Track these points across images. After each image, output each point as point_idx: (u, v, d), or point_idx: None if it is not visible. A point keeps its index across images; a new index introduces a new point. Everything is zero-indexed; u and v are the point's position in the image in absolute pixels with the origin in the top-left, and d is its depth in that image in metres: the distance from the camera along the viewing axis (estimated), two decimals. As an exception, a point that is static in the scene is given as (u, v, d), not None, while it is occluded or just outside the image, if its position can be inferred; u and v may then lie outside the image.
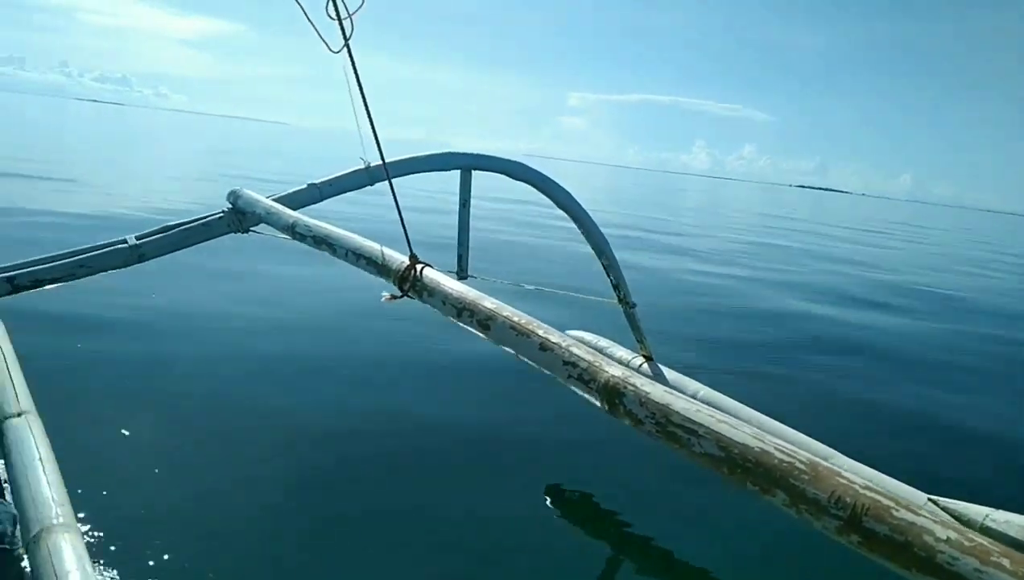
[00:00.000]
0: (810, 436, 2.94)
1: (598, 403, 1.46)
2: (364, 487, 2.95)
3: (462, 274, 3.28)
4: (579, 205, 3.44)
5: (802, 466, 1.09)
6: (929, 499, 2.52)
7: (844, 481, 1.03)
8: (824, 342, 6.62)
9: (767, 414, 3.13)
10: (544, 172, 3.37)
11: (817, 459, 1.14)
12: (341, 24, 1.46)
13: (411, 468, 3.19)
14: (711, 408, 1.38)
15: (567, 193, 3.42)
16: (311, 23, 1.44)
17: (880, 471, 2.65)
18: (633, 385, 1.41)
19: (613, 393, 1.42)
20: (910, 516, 0.95)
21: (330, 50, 1.47)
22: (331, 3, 1.46)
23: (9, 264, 2.83)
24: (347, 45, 1.48)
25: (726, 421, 1.32)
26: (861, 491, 1.01)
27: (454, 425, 3.65)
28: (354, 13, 1.48)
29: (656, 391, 1.39)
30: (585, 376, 1.47)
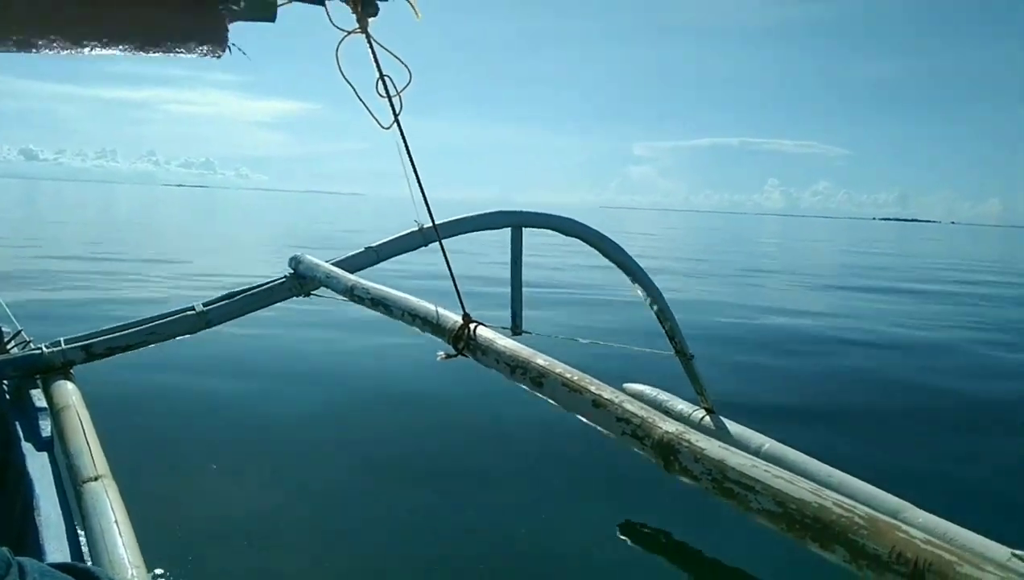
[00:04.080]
0: (881, 488, 2.84)
1: (653, 460, 1.46)
2: (440, 522, 3.02)
3: (516, 330, 3.32)
4: (630, 257, 3.46)
5: (861, 521, 1.08)
6: (1014, 554, 2.39)
7: (904, 535, 1.01)
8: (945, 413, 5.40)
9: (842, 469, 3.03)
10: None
11: (878, 514, 1.12)
12: (391, 102, 1.54)
13: (480, 505, 3.28)
14: (767, 463, 1.37)
15: (618, 246, 3.45)
16: (363, 103, 1.52)
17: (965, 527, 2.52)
18: (688, 441, 1.41)
19: (668, 449, 1.42)
20: (975, 572, 0.93)
21: (381, 127, 1.56)
22: (380, 83, 1.55)
23: (86, 333, 2.99)
24: (397, 121, 1.56)
25: (783, 476, 1.31)
26: (922, 546, 0.99)
27: (526, 456, 3.70)
28: (402, 90, 1.56)
29: (711, 447, 1.39)
30: (639, 432, 1.48)
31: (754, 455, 1.46)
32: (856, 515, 1.09)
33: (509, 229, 3.34)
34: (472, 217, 3.28)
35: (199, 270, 11.90)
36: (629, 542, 3.16)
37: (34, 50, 1.21)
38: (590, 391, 1.60)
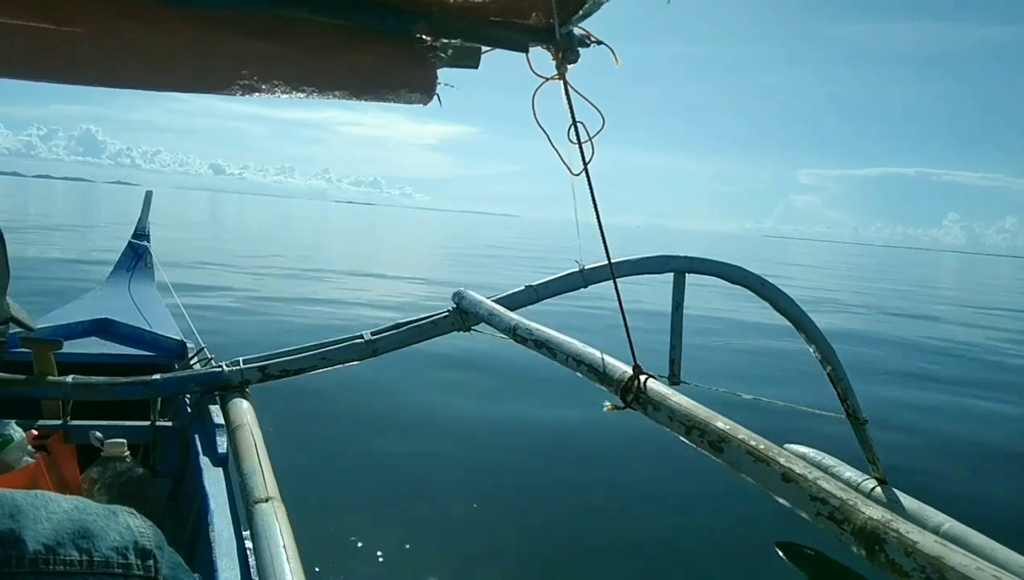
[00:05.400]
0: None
1: (854, 548, 1.32)
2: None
3: (674, 379, 3.20)
4: (801, 310, 3.26)
5: None
6: None
7: None
8: None
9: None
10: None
11: None
12: (581, 149, 1.51)
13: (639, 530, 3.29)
14: (995, 567, 1.20)
15: (788, 297, 3.26)
16: (555, 148, 1.50)
17: None
18: (896, 531, 1.26)
19: (872, 538, 1.28)
20: None
21: (571, 173, 1.53)
22: (572, 129, 1.52)
23: (262, 354, 3.16)
24: (586, 169, 1.53)
25: (1013, 583, 1.14)
26: None
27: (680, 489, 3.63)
28: (595, 136, 1.53)
29: (926, 541, 1.23)
30: (837, 516, 1.34)
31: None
32: None
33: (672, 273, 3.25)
34: (634, 260, 3.21)
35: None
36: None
37: (257, 94, 1.28)
38: (779, 463, 1.48)
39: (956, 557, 1.20)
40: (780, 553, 3.24)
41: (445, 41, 1.29)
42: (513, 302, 3.09)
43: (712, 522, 3.63)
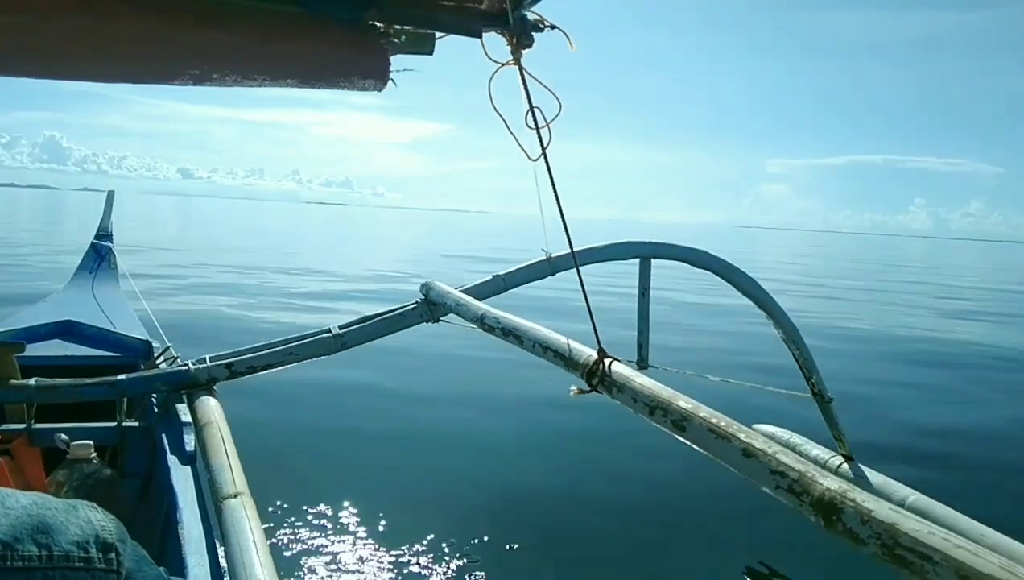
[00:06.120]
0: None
1: (812, 518, 1.35)
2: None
3: (642, 363, 3.23)
4: (765, 292, 3.30)
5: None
6: None
7: None
8: None
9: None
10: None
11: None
12: (539, 134, 1.52)
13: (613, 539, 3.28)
14: (945, 530, 1.23)
15: (752, 280, 3.30)
16: (512, 134, 1.51)
17: None
18: (853, 500, 1.29)
19: (829, 508, 1.31)
20: None
21: (529, 158, 1.54)
22: (529, 114, 1.53)
23: (228, 351, 3.13)
24: (544, 154, 1.54)
25: (964, 546, 1.17)
26: None
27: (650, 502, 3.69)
28: (551, 121, 1.54)
29: (880, 509, 1.26)
30: (796, 488, 1.37)
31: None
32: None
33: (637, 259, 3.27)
34: (600, 247, 3.23)
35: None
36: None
37: (208, 83, 1.27)
38: (739, 439, 1.50)
39: (909, 523, 1.23)
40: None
41: (398, 27, 1.29)
42: (481, 292, 3.09)
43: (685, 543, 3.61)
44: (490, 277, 3.19)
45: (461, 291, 3.01)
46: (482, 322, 2.58)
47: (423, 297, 3.08)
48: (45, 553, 0.53)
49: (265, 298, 10.72)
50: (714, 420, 1.58)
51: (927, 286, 21.76)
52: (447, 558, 3.06)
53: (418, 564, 2.99)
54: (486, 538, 3.22)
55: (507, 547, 3.21)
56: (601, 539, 3.42)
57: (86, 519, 0.58)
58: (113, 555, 0.57)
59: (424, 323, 3.06)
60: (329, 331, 2.99)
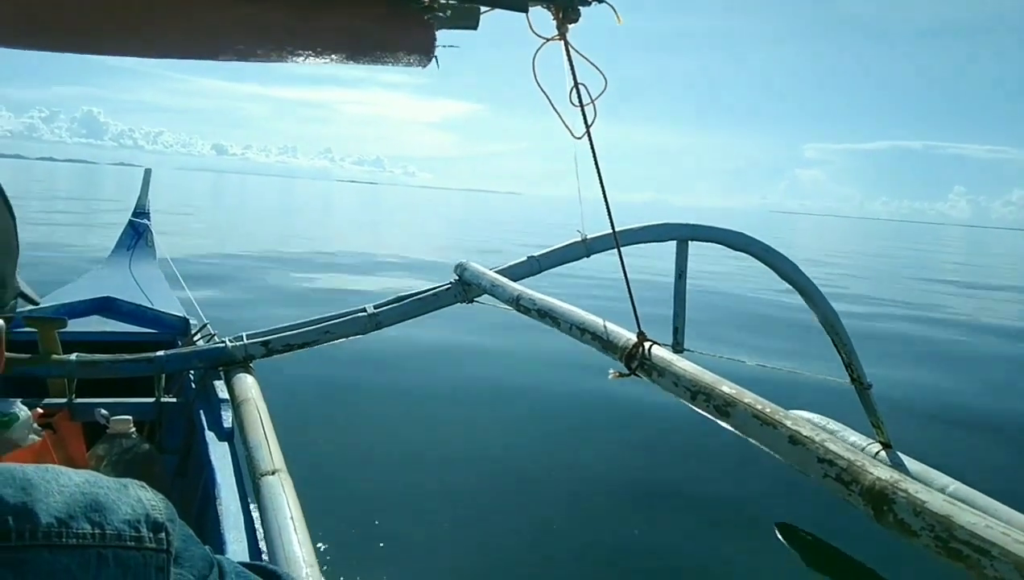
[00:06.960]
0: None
1: (861, 508, 1.32)
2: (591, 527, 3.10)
3: (678, 347, 3.18)
4: (805, 276, 3.24)
5: None
6: None
7: None
8: None
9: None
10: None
11: None
12: (583, 111, 1.49)
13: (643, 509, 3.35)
14: (1003, 524, 1.19)
15: (792, 264, 3.24)
16: (556, 112, 1.48)
17: None
18: (905, 491, 1.25)
19: (880, 499, 1.27)
20: None
21: (573, 136, 1.50)
22: (574, 91, 1.50)
23: (265, 329, 3.15)
24: (588, 132, 1.50)
25: None
26: None
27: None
28: (596, 98, 1.50)
29: (934, 500, 1.23)
30: (845, 477, 1.33)
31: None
32: None
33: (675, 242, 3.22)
34: (637, 229, 3.18)
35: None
36: None
37: (253, 59, 1.25)
38: (786, 426, 1.47)
39: (965, 515, 1.20)
40: (779, 534, 3.23)
41: (443, 1, 1.26)
42: (515, 273, 3.07)
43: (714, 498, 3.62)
44: (524, 258, 3.16)
45: (495, 272, 2.99)
46: (517, 303, 2.56)
47: (457, 277, 3.06)
48: (98, 531, 0.53)
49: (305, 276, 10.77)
50: (759, 406, 1.55)
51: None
52: (491, 535, 3.06)
53: (460, 542, 2.99)
54: (523, 517, 3.22)
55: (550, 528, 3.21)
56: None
57: (136, 498, 0.58)
58: (163, 534, 0.57)
59: (458, 304, 3.04)
60: (364, 310, 3.00)
